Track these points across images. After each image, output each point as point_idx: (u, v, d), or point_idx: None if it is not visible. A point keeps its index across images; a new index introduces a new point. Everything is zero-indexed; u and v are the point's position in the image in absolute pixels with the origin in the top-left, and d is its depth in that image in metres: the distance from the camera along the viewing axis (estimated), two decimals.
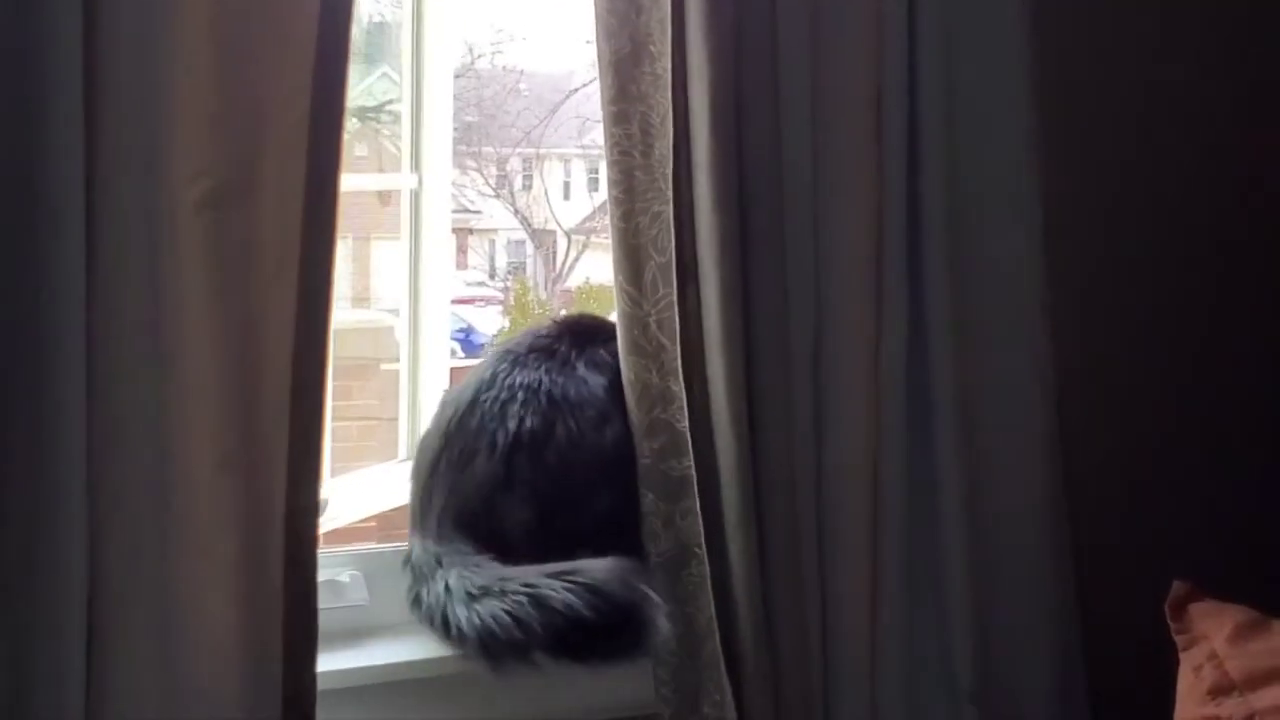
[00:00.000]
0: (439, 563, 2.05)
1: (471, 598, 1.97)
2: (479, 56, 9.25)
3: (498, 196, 9.97)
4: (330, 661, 2.09)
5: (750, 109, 2.11)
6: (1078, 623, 2.30)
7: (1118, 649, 2.29)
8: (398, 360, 2.61)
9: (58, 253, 1.74)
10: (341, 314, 4.49)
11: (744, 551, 2.12)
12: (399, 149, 2.60)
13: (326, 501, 2.31)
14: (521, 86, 9.72)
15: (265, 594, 1.88)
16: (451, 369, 2.64)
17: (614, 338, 2.14)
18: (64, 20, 1.72)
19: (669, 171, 2.07)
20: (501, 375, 2.10)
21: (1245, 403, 2.59)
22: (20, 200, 1.75)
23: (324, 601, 2.16)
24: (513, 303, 9.00)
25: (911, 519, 2.23)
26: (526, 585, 1.96)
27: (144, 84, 1.77)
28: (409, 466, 2.28)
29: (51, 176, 1.74)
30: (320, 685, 1.98)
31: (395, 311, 2.69)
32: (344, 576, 2.24)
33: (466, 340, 7.94)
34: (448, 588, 2.01)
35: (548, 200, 10.04)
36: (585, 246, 9.51)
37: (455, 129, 2.64)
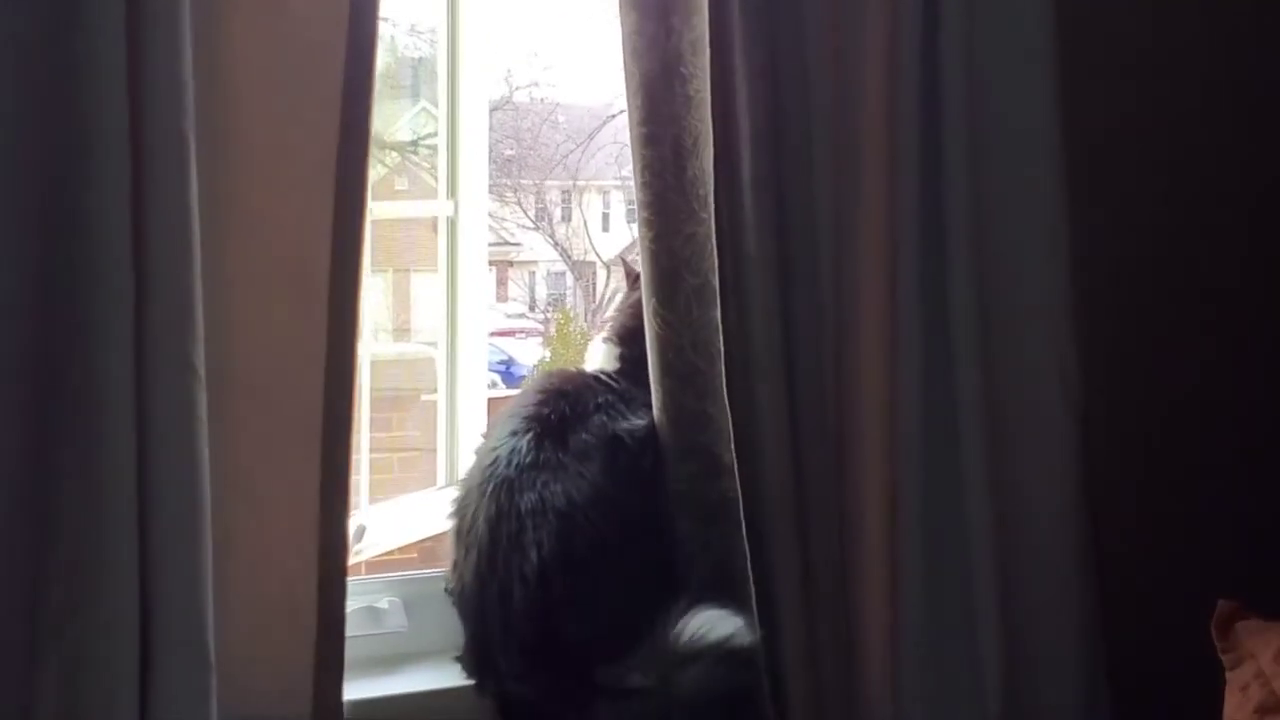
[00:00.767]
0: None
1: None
2: (516, 89, 9.31)
3: (537, 229, 10.01)
4: (369, 688, 2.10)
5: (786, 132, 2.13)
6: (1104, 641, 2.27)
7: (1146, 668, 2.27)
8: (436, 391, 2.62)
9: (104, 258, 1.77)
10: (382, 346, 4.53)
11: (790, 574, 2.12)
12: (435, 180, 2.62)
13: (364, 529, 2.31)
14: (559, 118, 9.77)
15: (297, 623, 1.90)
16: (490, 399, 2.65)
17: (591, 403, 2.13)
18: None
19: (703, 193, 2.06)
20: (504, 505, 2.08)
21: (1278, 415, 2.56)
22: (66, 226, 1.77)
23: (363, 628, 2.18)
24: (554, 334, 9.02)
25: (936, 538, 2.22)
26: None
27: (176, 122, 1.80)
28: (447, 494, 2.29)
29: (95, 193, 1.76)
30: (359, 713, 1.99)
31: (434, 344, 2.70)
32: (383, 603, 2.24)
33: (507, 372, 7.96)
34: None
35: (587, 232, 10.08)
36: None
37: (494, 162, 2.66)
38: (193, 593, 1.81)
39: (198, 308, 1.81)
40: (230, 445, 1.86)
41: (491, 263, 2.60)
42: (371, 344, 2.86)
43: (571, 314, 9.58)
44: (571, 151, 9.59)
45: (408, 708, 2.12)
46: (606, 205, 10.29)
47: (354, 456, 2.33)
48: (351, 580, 2.19)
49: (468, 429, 2.53)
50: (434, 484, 2.57)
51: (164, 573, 1.80)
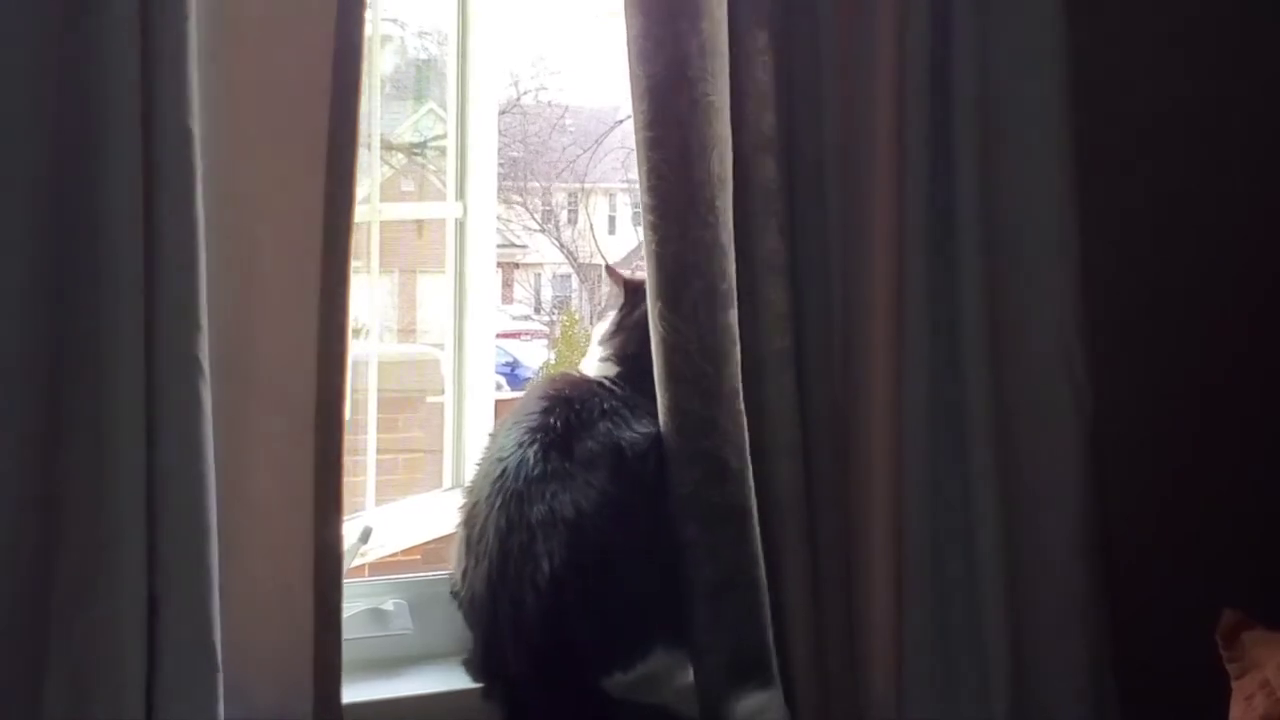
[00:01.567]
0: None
1: None
2: (524, 93, 9.32)
3: (543, 231, 10.02)
4: (373, 690, 2.10)
5: (798, 138, 2.14)
6: (1111, 646, 2.27)
7: (1154, 672, 2.27)
8: (443, 392, 2.62)
9: (113, 263, 1.78)
10: (387, 347, 4.54)
11: (800, 578, 2.13)
12: (444, 183, 2.62)
13: (370, 531, 2.31)
14: (566, 121, 9.77)
15: (295, 623, 1.91)
16: (496, 401, 2.65)
17: (596, 409, 2.14)
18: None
19: (709, 195, 2.07)
20: (514, 517, 2.08)
21: None
22: (76, 223, 1.78)
23: (368, 630, 2.18)
24: (559, 336, 9.03)
25: (944, 542, 2.23)
26: None
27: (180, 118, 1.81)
28: (453, 495, 2.28)
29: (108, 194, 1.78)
30: (363, 715, 2.00)
31: (440, 345, 2.70)
32: (388, 605, 2.24)
33: (512, 374, 7.96)
34: None
35: (593, 234, 10.08)
36: None
37: (501, 164, 2.66)
38: (199, 592, 1.81)
39: (202, 304, 1.81)
40: (225, 444, 1.86)
41: (497, 264, 2.61)
42: (377, 345, 2.87)
43: (577, 316, 9.59)
44: (579, 156, 9.60)
45: (412, 710, 2.12)
46: (613, 208, 10.29)
47: (359, 457, 2.34)
48: (356, 582, 2.20)
49: (474, 431, 2.53)
50: (440, 485, 2.57)
51: (171, 572, 1.81)
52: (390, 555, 2.51)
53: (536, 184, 9.80)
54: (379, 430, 2.53)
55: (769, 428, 2.14)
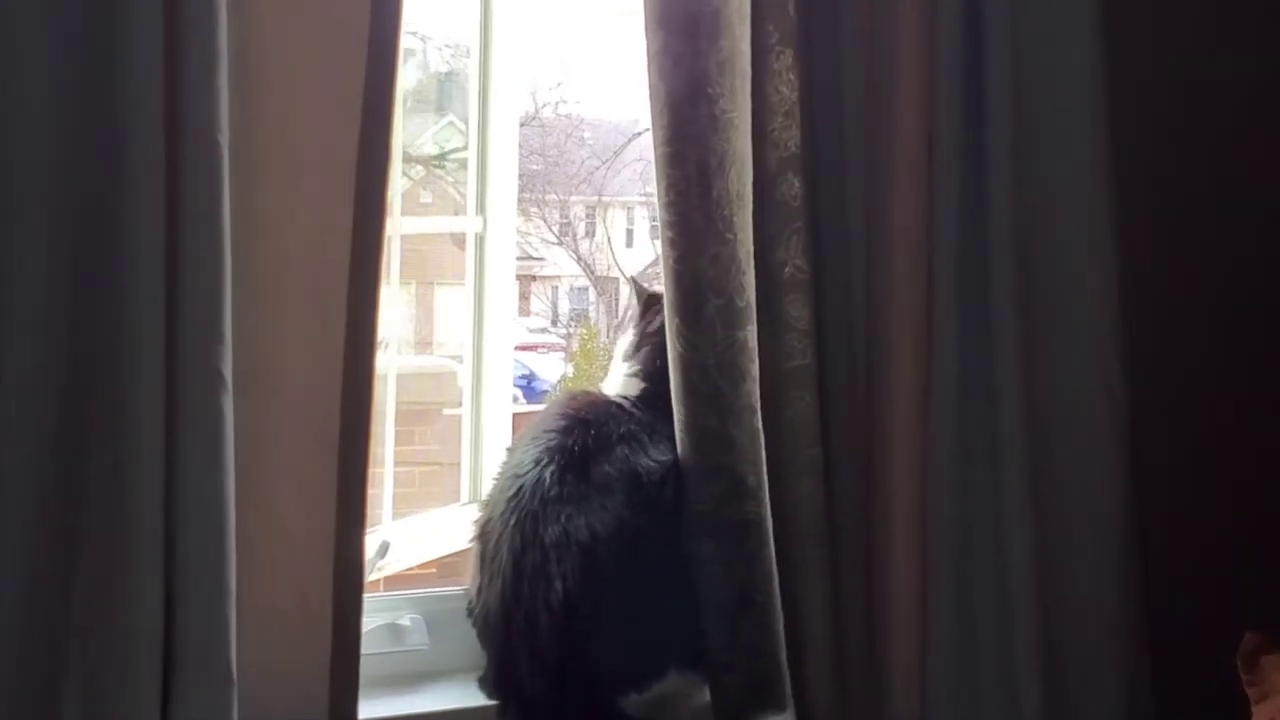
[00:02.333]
0: None
1: None
2: (543, 106, 9.34)
3: (560, 244, 10.03)
4: (390, 706, 2.10)
5: (820, 155, 2.15)
6: (1148, 674, 2.25)
7: (1188, 698, 2.24)
8: (460, 405, 2.62)
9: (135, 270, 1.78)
10: (405, 359, 4.55)
11: (820, 601, 2.13)
12: (462, 195, 2.62)
13: (387, 545, 2.31)
14: (585, 134, 9.79)
15: (314, 637, 1.91)
16: (514, 415, 2.65)
17: (614, 433, 2.13)
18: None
19: (728, 213, 2.06)
20: (528, 537, 2.07)
21: None
22: (100, 235, 1.79)
23: (384, 645, 2.18)
24: (577, 349, 9.04)
25: (972, 563, 2.21)
26: None
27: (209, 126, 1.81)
28: (470, 510, 2.28)
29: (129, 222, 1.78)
30: None
31: (458, 357, 2.70)
32: (405, 620, 2.24)
33: (529, 387, 7.97)
34: None
35: (610, 247, 10.09)
36: None
37: (519, 177, 2.66)
38: (216, 605, 1.81)
39: (226, 316, 1.82)
40: (247, 457, 1.86)
41: (515, 277, 2.62)
42: (395, 357, 2.87)
43: (595, 329, 9.60)
44: (597, 169, 9.62)
45: None
46: (630, 221, 10.30)
47: (376, 470, 2.34)
48: (373, 597, 2.19)
49: (492, 444, 2.53)
50: (457, 499, 2.57)
51: (188, 585, 1.81)
52: (406, 569, 2.51)
53: (554, 196, 9.82)
54: (396, 443, 2.53)
55: (789, 445, 2.14)
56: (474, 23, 2.52)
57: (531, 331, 9.68)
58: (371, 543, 2.24)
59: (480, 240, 2.55)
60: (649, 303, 2.29)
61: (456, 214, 3.52)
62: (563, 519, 2.06)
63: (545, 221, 9.85)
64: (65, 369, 1.78)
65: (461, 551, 2.32)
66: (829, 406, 2.16)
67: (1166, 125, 2.44)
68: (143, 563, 1.78)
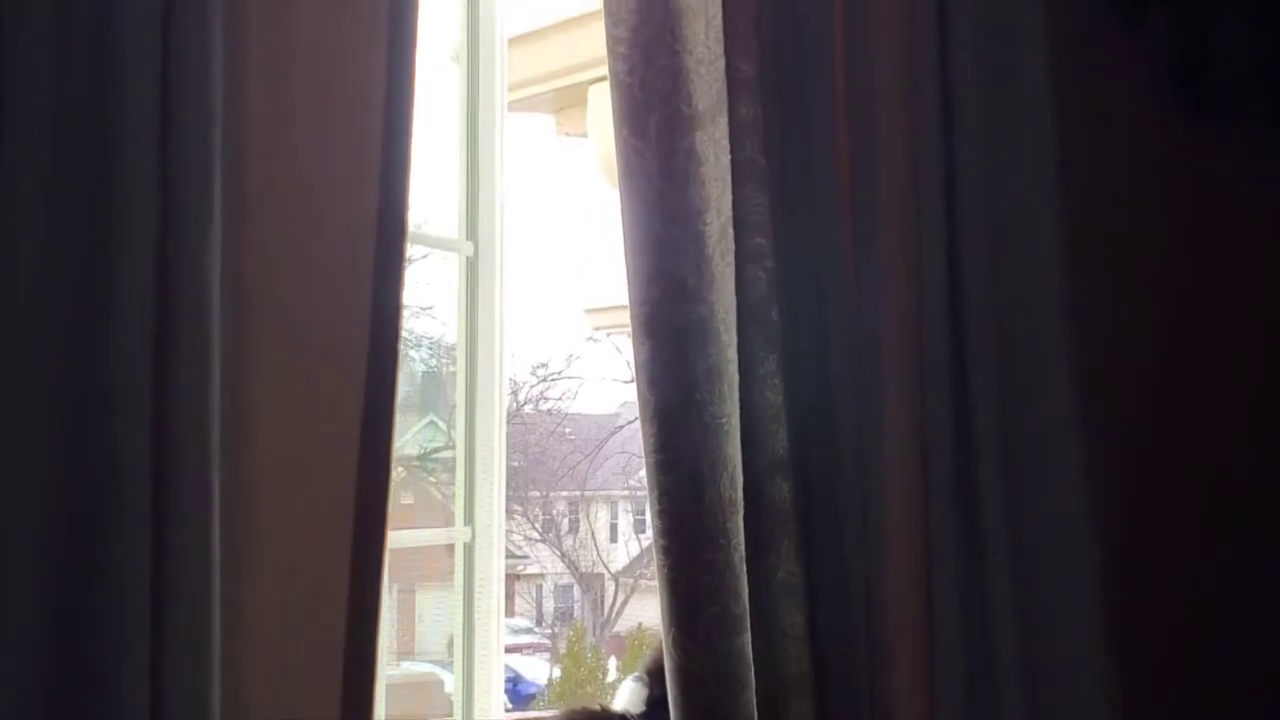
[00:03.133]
0: None
1: None
2: (525, 402, 9.44)
3: (544, 541, 9.99)
4: None
5: (812, 454, 2.14)
6: None
7: None
8: (449, 716, 2.55)
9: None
10: (388, 670, 4.45)
11: None
12: (443, 494, 2.61)
13: None
14: (566, 430, 9.86)
15: None
16: None
17: None
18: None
19: (721, 519, 2.06)
20: None
21: None
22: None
23: None
24: (564, 651, 8.89)
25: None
26: None
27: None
28: None
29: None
30: None
31: (441, 662, 2.64)
32: None
33: (514, 690, 7.81)
34: None
35: (595, 543, 10.05)
36: (634, 589, 9.45)
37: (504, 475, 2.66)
38: None
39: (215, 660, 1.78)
40: None
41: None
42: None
43: (581, 628, 9.47)
44: (579, 463, 9.67)
45: None
46: (614, 515, 10.29)
47: None
48: None
49: None
50: None
51: None
52: None
53: (537, 493, 9.82)
54: None
55: None
56: (460, 323, 2.55)
57: (516, 632, 9.54)
58: None
59: (469, 549, 2.53)
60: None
61: (437, 511, 3.51)
62: None
63: (528, 519, 9.84)
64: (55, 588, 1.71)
65: None
66: (829, 716, 2.11)
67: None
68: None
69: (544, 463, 9.77)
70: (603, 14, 2.13)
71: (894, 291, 2.15)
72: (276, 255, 1.85)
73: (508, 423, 2.73)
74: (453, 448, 2.58)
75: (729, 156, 2.10)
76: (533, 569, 10.08)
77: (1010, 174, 2.17)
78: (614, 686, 2.33)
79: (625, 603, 9.51)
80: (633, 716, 2.17)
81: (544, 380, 9.62)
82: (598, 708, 2.21)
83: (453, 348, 2.59)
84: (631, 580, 9.16)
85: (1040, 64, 2.18)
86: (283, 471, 1.88)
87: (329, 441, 1.89)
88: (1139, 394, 2.44)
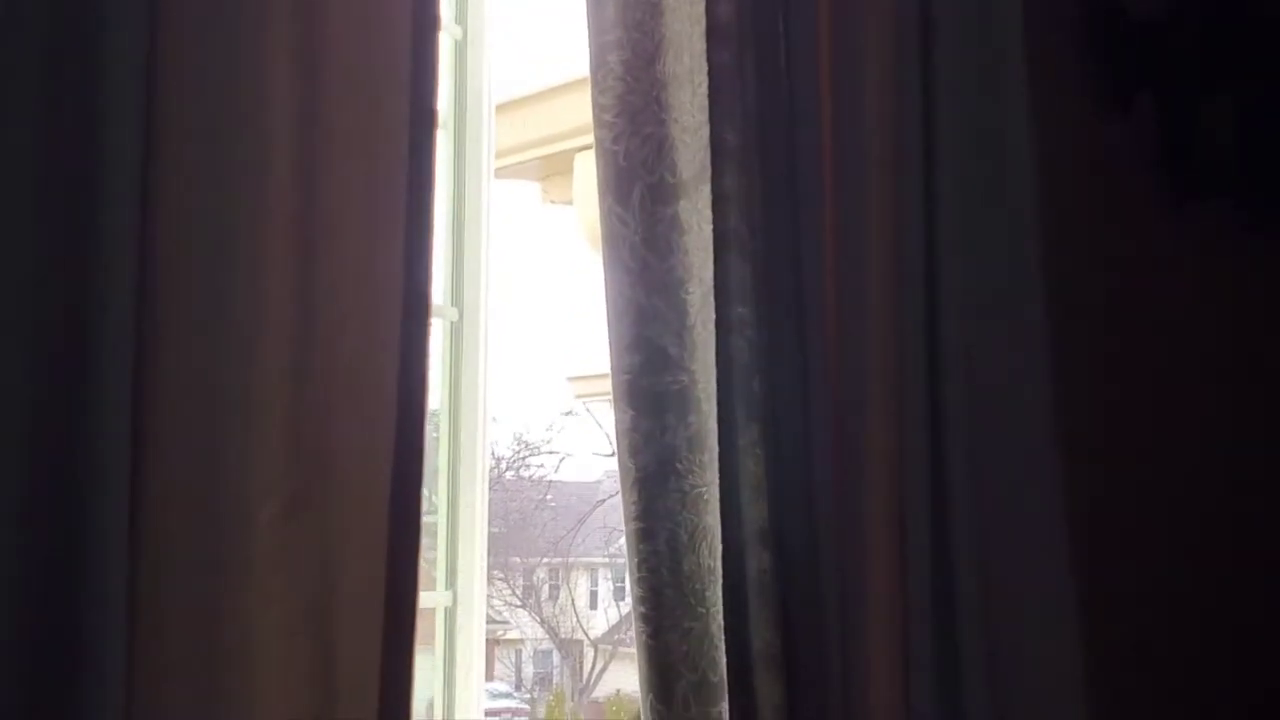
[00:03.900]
0: None
1: None
2: (507, 470, 9.43)
3: (524, 606, 9.95)
4: None
5: (791, 524, 2.14)
6: None
7: None
8: None
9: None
10: None
11: None
12: (425, 559, 2.60)
13: None
14: (549, 497, 9.85)
15: None
16: None
17: None
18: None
19: (699, 587, 2.07)
20: None
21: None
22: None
23: None
24: (543, 716, 8.83)
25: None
26: None
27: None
28: None
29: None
30: None
31: None
32: None
33: None
34: None
35: (574, 610, 10.01)
36: (612, 656, 9.41)
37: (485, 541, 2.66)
38: None
39: None
40: None
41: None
42: None
43: (561, 694, 9.41)
44: (563, 537, 9.65)
45: None
46: (594, 583, 10.26)
47: None
48: None
49: None
50: None
51: None
52: None
53: (517, 559, 9.79)
54: None
55: None
56: (442, 390, 2.56)
57: (495, 697, 9.47)
58: None
59: (450, 613, 2.52)
60: None
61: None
62: None
63: (509, 585, 9.80)
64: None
65: None
66: None
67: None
68: None
69: (524, 529, 9.75)
70: (589, 82, 2.15)
71: (877, 354, 2.16)
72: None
73: (489, 489, 2.73)
74: (434, 513, 2.58)
75: (711, 226, 2.11)
76: (513, 634, 10.04)
77: (994, 254, 2.18)
78: None
79: (604, 669, 9.46)
80: None
81: (526, 449, 9.63)
82: None
83: (435, 413, 2.59)
84: (610, 647, 9.11)
85: (1026, 155, 2.19)
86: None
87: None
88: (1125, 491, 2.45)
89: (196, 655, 1.75)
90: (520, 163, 5.82)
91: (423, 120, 1.94)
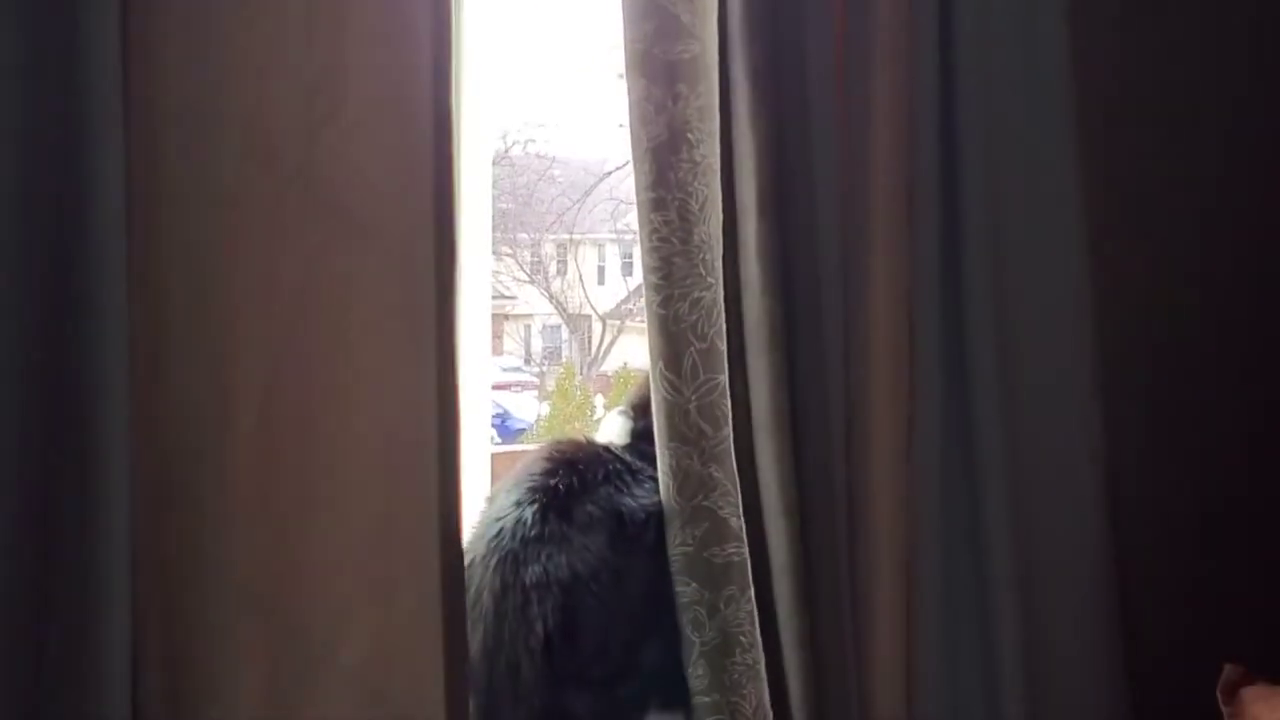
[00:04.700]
0: None
1: None
2: (513, 145, 9.34)
3: (532, 282, 10.01)
4: None
5: (790, 199, 2.16)
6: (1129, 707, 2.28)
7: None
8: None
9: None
10: None
11: (797, 639, 2.14)
12: None
13: None
14: (555, 173, 9.79)
15: None
16: (491, 455, 2.65)
17: (600, 473, 2.14)
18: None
19: (709, 257, 2.09)
20: (508, 578, 2.08)
21: None
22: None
23: None
24: (553, 388, 9.01)
25: (954, 602, 2.24)
26: None
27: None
28: None
29: None
30: None
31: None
32: None
33: (503, 426, 7.93)
34: None
35: (582, 285, 10.08)
36: (620, 331, 9.52)
37: (490, 216, 2.67)
38: None
39: None
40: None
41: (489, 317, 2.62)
42: None
43: (571, 367, 9.57)
44: (568, 209, 9.62)
45: None
46: (602, 259, 10.29)
47: None
48: None
49: (469, 486, 2.52)
50: None
51: None
52: None
53: (525, 235, 9.81)
54: None
55: (765, 488, 2.16)
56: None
57: (505, 370, 9.63)
58: None
59: None
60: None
61: None
62: (543, 558, 2.07)
63: (517, 260, 9.85)
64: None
65: None
66: (803, 450, 2.18)
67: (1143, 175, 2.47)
68: None
69: (532, 205, 9.74)
70: None
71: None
72: None
73: (495, 164, 2.72)
74: None
75: None
76: (521, 309, 10.14)
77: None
78: (600, 422, 2.39)
79: (612, 343, 9.60)
80: (616, 447, 2.23)
81: (532, 124, 9.53)
82: (583, 439, 2.27)
83: None
84: (618, 321, 9.21)
85: None
86: None
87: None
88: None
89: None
90: None
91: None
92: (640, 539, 2.11)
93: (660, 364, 2.10)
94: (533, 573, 2.06)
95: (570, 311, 10.13)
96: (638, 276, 2.15)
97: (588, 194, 9.66)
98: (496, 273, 9.38)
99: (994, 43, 2.25)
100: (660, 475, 2.12)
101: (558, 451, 2.19)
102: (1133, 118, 2.49)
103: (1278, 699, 1.96)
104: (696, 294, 2.08)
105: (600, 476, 2.14)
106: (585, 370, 9.51)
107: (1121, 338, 2.37)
